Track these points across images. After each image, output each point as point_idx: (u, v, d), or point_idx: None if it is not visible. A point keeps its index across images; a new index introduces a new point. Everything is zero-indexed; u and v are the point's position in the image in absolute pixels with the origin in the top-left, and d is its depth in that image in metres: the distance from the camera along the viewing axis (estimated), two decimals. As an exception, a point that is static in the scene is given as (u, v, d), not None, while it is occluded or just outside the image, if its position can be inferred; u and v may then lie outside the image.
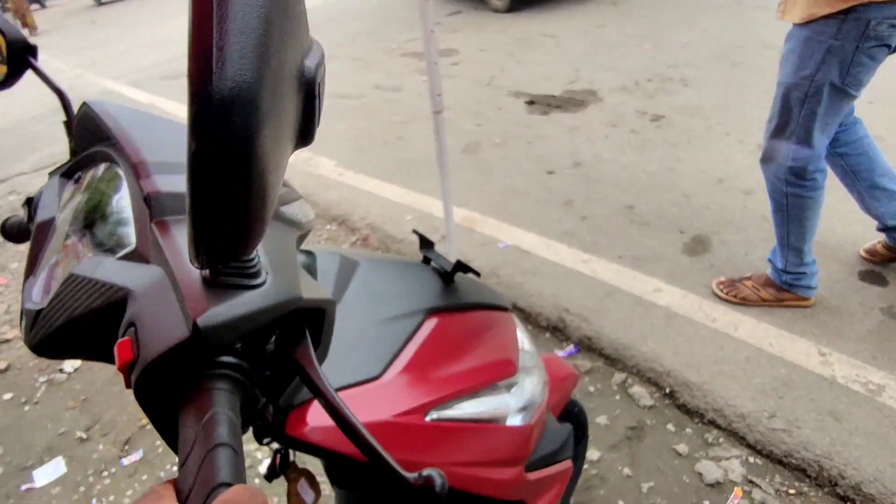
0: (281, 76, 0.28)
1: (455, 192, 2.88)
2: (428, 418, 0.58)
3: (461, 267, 0.75)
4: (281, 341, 0.42)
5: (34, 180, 4.73)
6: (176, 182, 0.46)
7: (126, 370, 0.35)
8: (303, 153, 3.88)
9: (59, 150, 5.32)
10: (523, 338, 0.89)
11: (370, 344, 0.61)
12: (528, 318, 2.13)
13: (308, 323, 0.44)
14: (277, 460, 0.58)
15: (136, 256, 0.43)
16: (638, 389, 1.81)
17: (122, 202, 0.49)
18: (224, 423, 0.32)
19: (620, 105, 3.74)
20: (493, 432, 0.65)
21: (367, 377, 0.56)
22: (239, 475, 0.29)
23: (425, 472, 0.37)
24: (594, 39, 5.07)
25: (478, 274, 0.76)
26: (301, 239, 0.60)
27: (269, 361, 0.41)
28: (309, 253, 0.71)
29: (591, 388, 1.85)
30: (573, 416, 1.29)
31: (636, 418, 1.74)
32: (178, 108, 5.61)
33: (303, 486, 0.61)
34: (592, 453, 1.65)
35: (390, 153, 3.62)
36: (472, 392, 0.64)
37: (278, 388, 0.47)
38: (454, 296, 0.76)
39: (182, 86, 5.40)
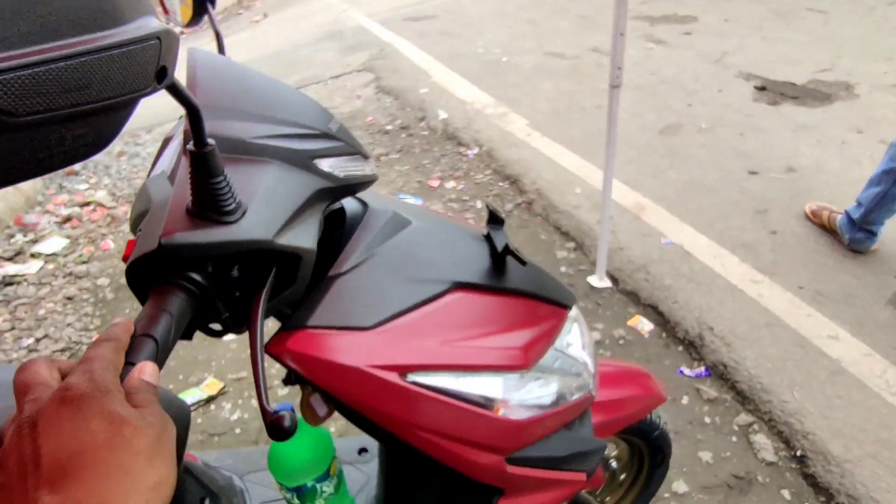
0: None
1: (634, 173, 2.72)
2: (408, 380, 0.63)
3: (508, 251, 0.76)
4: (246, 273, 0.52)
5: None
6: (217, 126, 0.57)
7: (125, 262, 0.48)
8: (499, 108, 3.98)
9: (312, 73, 6.26)
10: (575, 340, 0.86)
11: (380, 298, 0.67)
12: (664, 324, 1.98)
13: (281, 264, 0.53)
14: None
15: (168, 178, 0.56)
16: (762, 439, 1.59)
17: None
18: (160, 320, 0.43)
19: (879, 107, 3.02)
20: (475, 416, 0.67)
21: (358, 325, 0.63)
22: (146, 357, 0.40)
23: (280, 408, 0.44)
24: (878, 19, 4.08)
25: (523, 262, 0.76)
26: (344, 190, 0.68)
27: (234, 285, 0.51)
28: (363, 203, 0.78)
29: (707, 420, 1.68)
30: (648, 438, 1.22)
31: (747, 469, 1.54)
32: (408, 48, 6.12)
33: (316, 399, 0.72)
34: (680, 485, 1.53)
35: (585, 121, 3.50)
36: (465, 370, 0.67)
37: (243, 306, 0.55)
38: (497, 277, 0.77)
39: (419, 28, 5.88)
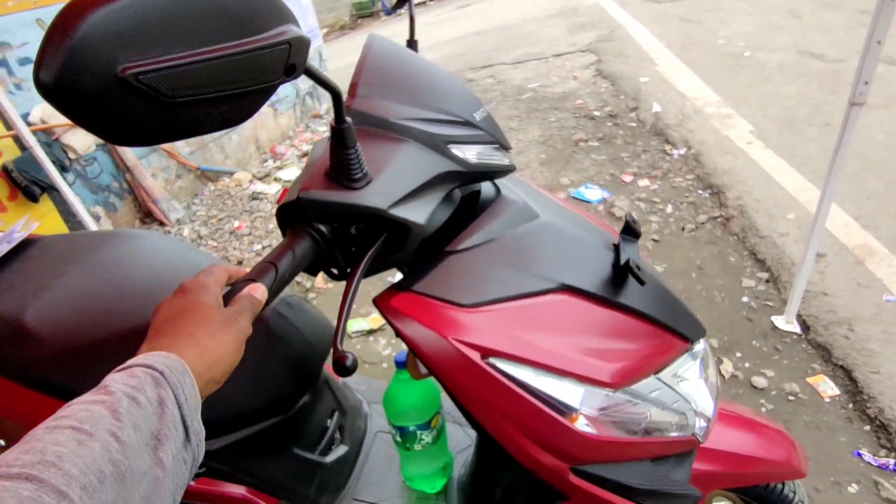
0: None
1: (873, 210, 2.28)
2: (488, 362, 0.67)
3: (628, 267, 0.74)
4: (362, 232, 0.61)
5: (509, 71, 5.81)
6: (370, 104, 0.66)
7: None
8: (723, 108, 3.59)
9: (536, 49, 6.31)
10: (690, 376, 0.81)
11: (485, 281, 0.71)
12: (854, 394, 1.66)
13: (392, 231, 0.61)
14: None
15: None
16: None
17: None
18: (286, 255, 0.54)
19: None
20: (546, 417, 0.68)
21: (457, 301, 0.69)
22: (264, 281, 0.52)
23: (348, 353, 0.52)
24: None
25: (641, 282, 0.73)
26: (477, 175, 0.73)
27: (351, 240, 0.61)
28: (498, 188, 0.82)
29: (879, 516, 1.40)
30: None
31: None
32: (640, 31, 5.76)
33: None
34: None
35: (825, 138, 2.97)
36: (548, 370, 0.68)
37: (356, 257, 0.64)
38: (612, 289, 0.76)
39: (658, 10, 5.52)
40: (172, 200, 3.59)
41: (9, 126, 2.62)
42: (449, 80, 0.76)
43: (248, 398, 1.02)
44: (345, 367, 0.52)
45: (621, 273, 0.76)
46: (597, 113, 4.08)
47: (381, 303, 0.69)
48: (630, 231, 0.83)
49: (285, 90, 5.01)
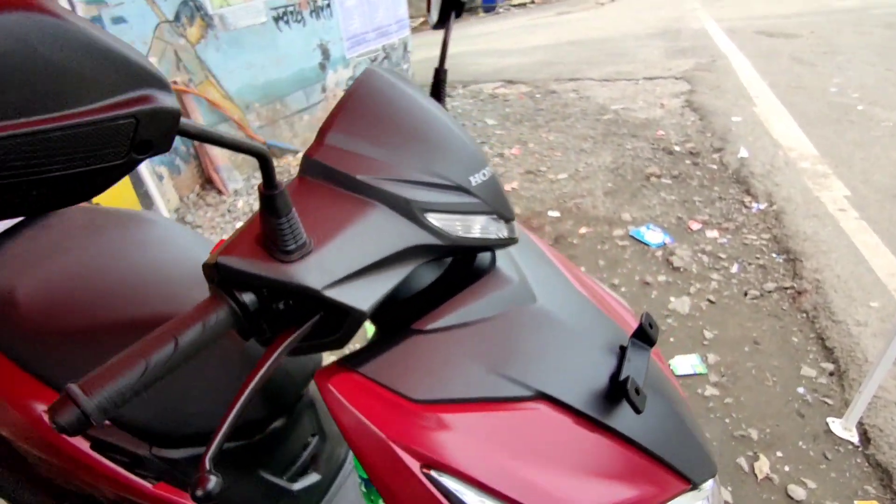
0: None
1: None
2: (425, 473, 0.55)
3: (623, 389, 0.61)
4: (291, 309, 0.51)
5: (595, 88, 5.58)
6: (337, 154, 0.57)
7: None
8: (820, 165, 3.25)
9: (628, 69, 6.01)
10: None
11: (446, 375, 0.59)
12: None
13: (329, 312, 0.51)
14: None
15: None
16: None
17: None
18: (193, 326, 0.46)
19: None
20: None
21: (407, 394, 0.57)
22: (152, 358, 0.44)
23: (213, 476, 0.43)
24: None
25: (637, 410, 0.60)
26: (461, 249, 0.62)
27: (280, 315, 0.52)
28: (493, 258, 0.71)
29: None
30: None
31: None
32: (744, 65, 5.36)
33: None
34: None
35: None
36: (499, 497, 0.57)
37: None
38: (604, 408, 0.63)
39: (768, 45, 5.16)
40: (234, 171, 3.68)
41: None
42: (449, 132, 0.64)
43: (216, 417, 0.97)
44: (203, 494, 0.43)
45: (619, 390, 0.63)
46: (677, 147, 3.81)
47: (319, 379, 0.60)
48: (643, 336, 0.69)
49: (364, 77, 5.03)
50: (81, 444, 0.99)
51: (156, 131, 0.35)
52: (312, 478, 1.20)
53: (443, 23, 0.91)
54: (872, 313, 2.09)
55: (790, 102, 4.28)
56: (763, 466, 1.61)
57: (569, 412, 0.62)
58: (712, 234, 2.78)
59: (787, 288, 2.33)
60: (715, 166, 3.49)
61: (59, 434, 0.94)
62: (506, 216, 0.66)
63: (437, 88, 0.89)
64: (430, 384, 0.59)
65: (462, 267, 0.71)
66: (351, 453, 1.31)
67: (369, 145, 0.59)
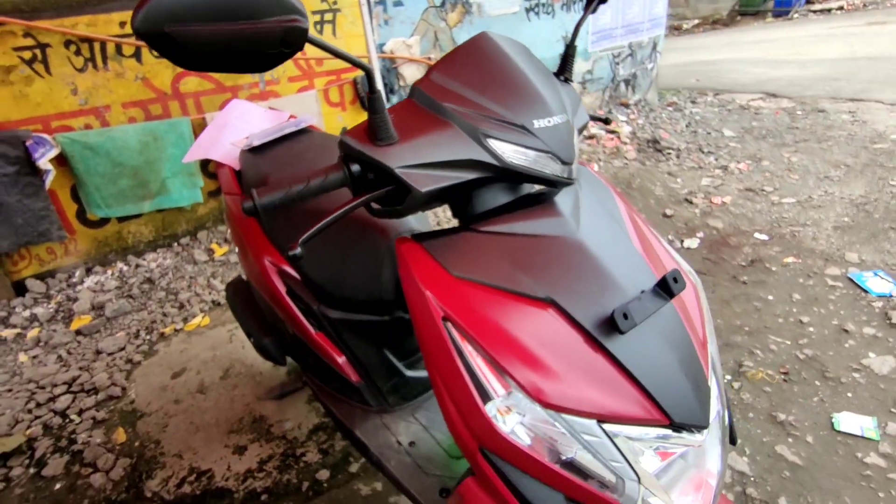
0: None
1: None
2: (444, 324, 0.74)
3: (612, 318, 0.70)
4: (377, 180, 0.76)
5: (880, 112, 4.68)
6: (433, 88, 0.79)
7: None
8: None
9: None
10: (658, 457, 0.73)
11: (483, 266, 0.77)
12: None
13: (400, 187, 0.74)
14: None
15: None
16: None
17: None
18: (319, 177, 0.74)
19: None
20: (468, 394, 0.71)
21: (448, 268, 0.77)
22: (292, 189, 0.73)
23: (299, 248, 0.69)
24: None
25: (620, 331, 0.69)
26: (518, 175, 0.79)
27: (370, 181, 0.77)
28: (559, 189, 0.86)
29: None
30: None
31: None
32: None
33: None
34: None
35: None
36: (490, 358, 0.72)
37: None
38: (606, 331, 0.73)
39: None
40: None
41: (368, 49, 3.42)
42: (529, 87, 0.80)
43: (366, 291, 1.30)
44: (292, 255, 0.71)
45: (612, 319, 0.72)
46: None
47: (397, 242, 0.84)
48: (665, 287, 0.76)
49: (602, 72, 5.07)
50: (281, 291, 1.43)
51: (293, 38, 0.63)
52: (422, 372, 1.47)
53: (586, 8, 1.05)
54: None
55: None
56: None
57: (570, 322, 0.75)
58: None
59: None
60: None
61: (275, 284, 1.38)
62: (563, 159, 0.80)
63: (565, 62, 1.03)
64: (465, 266, 0.79)
65: (530, 198, 0.88)
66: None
67: (460, 85, 0.80)
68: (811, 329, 2.18)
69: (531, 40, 4.39)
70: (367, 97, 0.72)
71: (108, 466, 1.86)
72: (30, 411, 2.13)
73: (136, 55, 2.74)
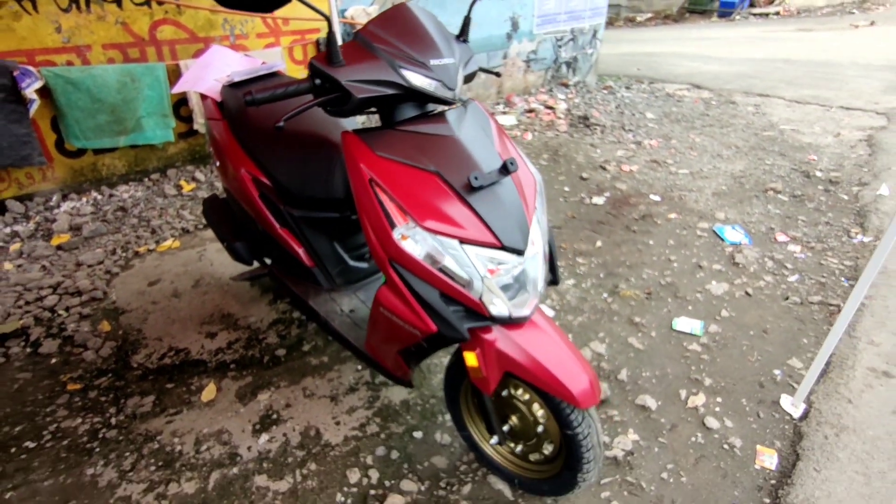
0: None
1: None
2: (370, 182, 1.21)
3: (469, 181, 1.19)
4: (333, 89, 1.21)
5: (779, 107, 5.39)
6: (370, 34, 1.24)
7: None
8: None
9: (829, 95, 5.61)
10: (493, 270, 1.22)
11: (397, 149, 1.24)
12: (783, 478, 1.66)
13: (344, 94, 1.19)
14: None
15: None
16: None
17: None
18: (293, 84, 1.18)
19: None
20: (381, 220, 1.20)
21: (373, 148, 1.23)
22: (269, 83, 1.17)
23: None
24: None
25: (473, 188, 1.18)
26: (423, 95, 1.26)
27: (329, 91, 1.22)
28: (459, 115, 1.32)
29: None
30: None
31: None
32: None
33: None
34: None
35: None
36: (394, 198, 1.19)
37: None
38: (468, 191, 1.22)
39: None
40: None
41: (329, 12, 3.78)
42: (431, 40, 1.26)
43: (321, 192, 1.74)
44: (278, 126, 1.15)
45: (471, 183, 1.21)
46: (819, 173, 3.74)
47: (342, 135, 1.30)
48: (504, 169, 1.25)
49: (545, 53, 5.58)
50: (255, 195, 1.84)
51: None
52: (363, 264, 1.93)
53: None
54: (890, 341, 2.16)
55: None
56: (697, 400, 1.95)
57: (446, 184, 1.22)
58: (794, 248, 2.88)
59: (831, 305, 2.44)
60: (846, 197, 3.41)
61: (250, 189, 1.79)
62: (448, 86, 1.27)
63: (463, 28, 1.48)
64: (384, 149, 1.25)
65: (429, 114, 1.34)
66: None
67: (386, 34, 1.25)
68: (675, 265, 2.77)
69: (481, 19, 4.83)
70: (327, 35, 1.17)
71: (97, 346, 2.24)
72: (20, 307, 2.46)
73: (118, 1, 3.02)
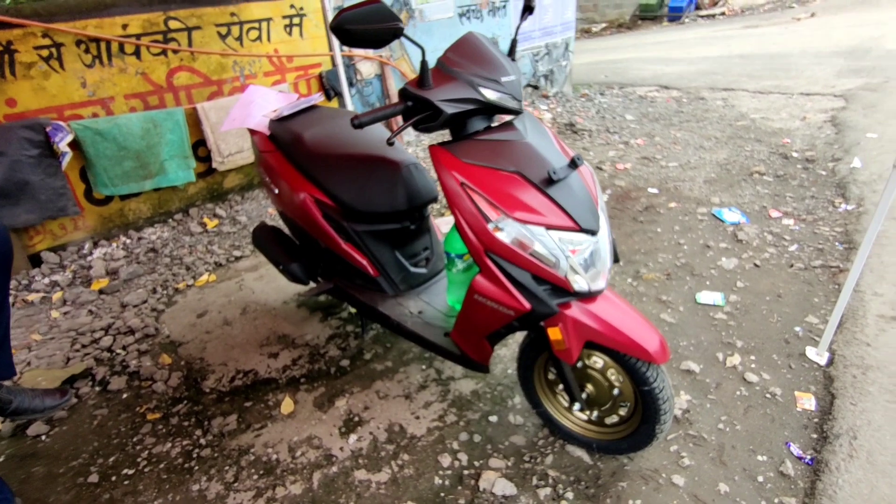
0: None
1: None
2: (461, 185, 1.40)
3: (550, 174, 1.39)
4: (425, 109, 1.40)
5: (745, 99, 5.76)
6: (450, 62, 1.44)
7: None
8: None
9: (787, 84, 6.04)
10: (573, 249, 1.42)
11: (478, 155, 1.43)
12: (824, 415, 1.88)
13: (435, 112, 1.39)
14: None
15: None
16: None
17: None
18: (389, 108, 1.38)
19: None
20: (477, 216, 1.39)
21: (458, 156, 1.43)
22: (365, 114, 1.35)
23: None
24: None
25: (552, 181, 1.38)
26: (497, 108, 1.46)
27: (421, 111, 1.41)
28: (523, 122, 1.52)
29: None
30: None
31: None
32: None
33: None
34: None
35: None
36: (485, 197, 1.38)
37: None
38: (547, 184, 1.41)
39: None
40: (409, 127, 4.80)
41: (330, 48, 3.99)
42: (500, 63, 1.47)
43: (384, 206, 1.91)
44: (358, 123, 1.33)
45: (550, 177, 1.41)
46: (795, 154, 4.06)
47: (431, 149, 1.49)
48: (573, 164, 1.46)
49: (524, 68, 5.89)
50: (318, 215, 2.00)
51: (396, 32, 1.27)
52: (422, 269, 2.10)
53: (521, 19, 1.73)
54: (891, 290, 2.42)
55: (943, 127, 4.20)
56: (734, 360, 2.16)
57: (529, 182, 1.42)
58: (788, 221, 3.16)
59: (832, 266, 2.70)
60: (824, 172, 3.73)
61: (313, 211, 1.97)
62: (516, 98, 1.47)
63: (511, 49, 1.70)
64: (469, 156, 1.45)
65: (495, 127, 1.55)
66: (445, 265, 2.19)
67: (460, 59, 1.45)
68: (685, 247, 3.01)
69: (464, 41, 5.09)
70: (420, 64, 1.36)
71: (165, 378, 2.35)
72: (77, 351, 2.55)
73: (136, 53, 3.17)
